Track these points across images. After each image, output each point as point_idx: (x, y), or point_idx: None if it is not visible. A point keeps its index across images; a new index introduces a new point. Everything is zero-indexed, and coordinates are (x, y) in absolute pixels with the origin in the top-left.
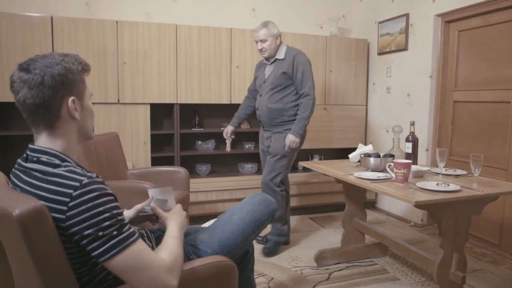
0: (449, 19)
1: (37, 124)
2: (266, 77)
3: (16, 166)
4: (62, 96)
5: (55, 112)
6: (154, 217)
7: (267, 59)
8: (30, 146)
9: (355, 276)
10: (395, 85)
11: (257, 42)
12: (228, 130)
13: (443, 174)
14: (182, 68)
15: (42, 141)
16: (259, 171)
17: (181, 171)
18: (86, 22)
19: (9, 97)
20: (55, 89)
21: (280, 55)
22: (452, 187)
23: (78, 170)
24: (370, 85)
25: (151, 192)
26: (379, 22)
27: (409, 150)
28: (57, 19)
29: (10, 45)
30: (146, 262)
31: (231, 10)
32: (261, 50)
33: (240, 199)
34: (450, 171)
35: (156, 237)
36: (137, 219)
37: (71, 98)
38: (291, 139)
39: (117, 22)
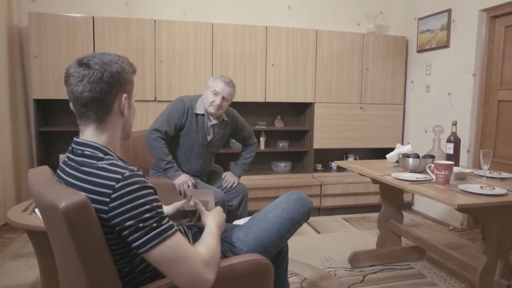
0: (495, 14)
1: (88, 117)
2: (209, 139)
3: (64, 158)
4: (116, 92)
5: (108, 107)
6: (191, 215)
7: (204, 113)
8: (75, 139)
9: (390, 279)
10: (435, 84)
11: (216, 94)
12: (188, 182)
13: (487, 177)
14: (218, 66)
15: (88, 134)
16: (292, 170)
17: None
18: (125, 22)
19: (49, 95)
20: (112, 85)
21: (225, 116)
22: (498, 190)
23: (120, 163)
24: (409, 83)
25: (191, 192)
26: (419, 19)
27: (451, 151)
28: (98, 19)
29: (54, 45)
30: (184, 255)
31: (266, 8)
32: (218, 107)
33: (273, 198)
34: (495, 174)
35: (192, 234)
36: (175, 216)
37: (124, 95)
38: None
39: (155, 21)
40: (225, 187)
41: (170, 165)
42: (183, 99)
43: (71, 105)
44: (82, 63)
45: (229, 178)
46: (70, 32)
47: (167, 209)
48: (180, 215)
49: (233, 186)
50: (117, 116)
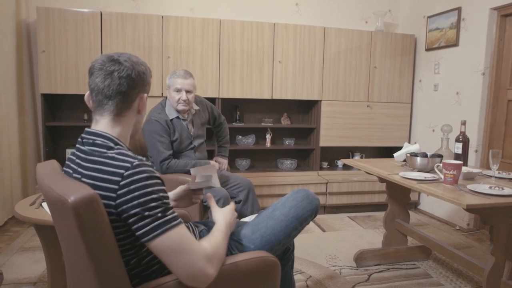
0: (506, 13)
1: (108, 108)
2: (192, 133)
3: (73, 150)
4: (139, 91)
5: (129, 102)
6: (198, 193)
7: (178, 114)
8: (87, 129)
9: (395, 279)
10: (443, 83)
11: (179, 91)
12: (215, 166)
13: (496, 177)
14: (225, 62)
15: (103, 125)
16: (298, 168)
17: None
18: (133, 17)
19: (57, 89)
20: (137, 83)
21: (195, 105)
22: (507, 191)
23: (130, 153)
24: (416, 82)
25: (194, 171)
26: (428, 17)
27: (459, 151)
28: (106, 15)
29: (62, 40)
30: (186, 246)
31: (274, 5)
32: (186, 102)
33: (278, 195)
34: (504, 174)
35: (199, 232)
36: (184, 200)
37: (145, 95)
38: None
39: (162, 17)
40: (223, 169)
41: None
42: (153, 119)
43: (88, 96)
44: (113, 59)
45: (221, 161)
46: (78, 27)
47: (175, 192)
48: (187, 200)
49: (225, 168)
50: (134, 112)
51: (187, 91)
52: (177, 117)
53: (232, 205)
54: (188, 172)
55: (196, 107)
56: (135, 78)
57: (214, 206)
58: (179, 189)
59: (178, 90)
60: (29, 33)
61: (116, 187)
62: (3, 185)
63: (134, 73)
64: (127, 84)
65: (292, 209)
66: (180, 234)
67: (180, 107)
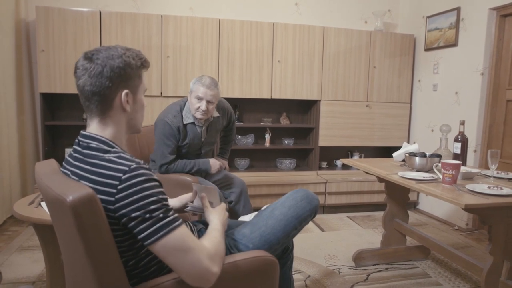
0: (505, 13)
1: (91, 110)
2: (203, 140)
3: (70, 151)
4: (117, 88)
5: (109, 101)
6: (195, 214)
7: (194, 120)
8: (82, 132)
9: (394, 278)
10: (443, 83)
11: (200, 99)
12: (216, 166)
13: (494, 177)
14: (224, 62)
15: (94, 127)
16: (297, 167)
17: None
18: (132, 17)
19: (56, 89)
20: (112, 80)
21: (215, 112)
22: (506, 191)
23: (127, 156)
24: (415, 82)
25: (196, 187)
26: (428, 17)
27: (458, 151)
28: (105, 14)
29: (61, 39)
30: (189, 247)
31: (273, 5)
32: (204, 112)
33: (277, 195)
34: (502, 174)
35: (198, 230)
36: (180, 210)
37: (124, 91)
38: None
39: (162, 16)
40: (224, 171)
41: (194, 169)
42: (166, 120)
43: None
44: (87, 57)
45: (222, 162)
46: (77, 26)
47: (173, 202)
48: (180, 211)
49: (225, 168)
50: (119, 111)
51: (208, 102)
52: (193, 123)
53: (223, 205)
54: (187, 172)
55: (215, 114)
56: (108, 75)
57: (208, 206)
58: (178, 200)
59: (200, 99)
60: (28, 32)
61: (114, 191)
62: (2, 184)
63: (107, 70)
64: (99, 84)
65: (291, 209)
66: (182, 234)
67: (198, 115)
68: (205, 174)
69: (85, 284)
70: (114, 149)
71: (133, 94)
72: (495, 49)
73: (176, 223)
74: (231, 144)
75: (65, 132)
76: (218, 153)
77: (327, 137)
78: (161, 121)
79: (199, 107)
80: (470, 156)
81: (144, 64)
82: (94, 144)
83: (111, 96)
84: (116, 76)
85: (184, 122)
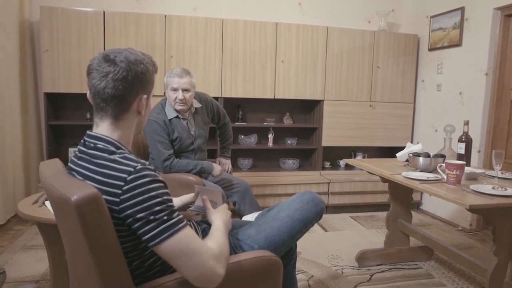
0: (509, 13)
1: (106, 112)
2: (193, 133)
3: (75, 152)
4: (137, 92)
5: (127, 105)
6: (198, 214)
7: (177, 113)
8: (88, 132)
9: (398, 279)
10: (446, 83)
11: (175, 90)
12: (219, 169)
13: (499, 178)
14: (227, 62)
15: (103, 128)
16: (300, 167)
17: None
18: (136, 17)
19: (60, 88)
20: (134, 85)
21: (196, 103)
22: (510, 191)
23: (132, 157)
24: (419, 82)
25: (198, 189)
26: (431, 17)
27: (462, 151)
28: (109, 14)
29: (65, 39)
30: (194, 248)
31: (277, 4)
32: (182, 101)
33: (280, 195)
34: (507, 175)
35: (202, 230)
36: (182, 209)
37: (144, 96)
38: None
39: (165, 16)
40: (226, 171)
41: (197, 168)
42: (152, 119)
43: (89, 95)
44: (109, 59)
45: (224, 162)
46: (81, 26)
47: (175, 201)
48: (183, 210)
49: (229, 169)
50: (134, 114)
51: (184, 90)
52: (177, 117)
53: (225, 205)
54: (190, 171)
55: (197, 105)
56: (131, 80)
57: (209, 208)
58: (180, 200)
59: (175, 90)
60: (32, 32)
61: (119, 191)
62: (6, 183)
63: (131, 75)
64: (122, 88)
65: (297, 211)
66: (187, 236)
67: (178, 106)
68: (206, 175)
69: (89, 283)
70: (120, 150)
71: (147, 99)
72: (499, 49)
73: (181, 225)
74: (231, 141)
75: (68, 131)
76: (220, 153)
77: (330, 137)
78: (148, 121)
79: (176, 98)
80: (474, 157)
81: (156, 69)
82: (101, 144)
83: (130, 100)
84: (138, 81)
85: (169, 117)
